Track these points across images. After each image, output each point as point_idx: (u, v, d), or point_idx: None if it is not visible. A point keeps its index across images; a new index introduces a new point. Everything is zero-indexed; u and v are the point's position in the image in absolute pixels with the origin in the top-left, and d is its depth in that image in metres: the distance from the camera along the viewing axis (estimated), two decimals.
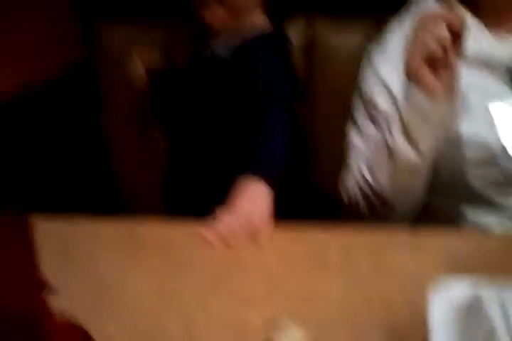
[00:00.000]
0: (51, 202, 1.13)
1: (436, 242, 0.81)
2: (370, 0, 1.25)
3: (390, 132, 0.90)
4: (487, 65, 0.92)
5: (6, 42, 1.16)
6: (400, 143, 0.88)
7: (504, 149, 0.90)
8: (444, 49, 0.78)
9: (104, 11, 1.38)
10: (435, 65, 0.80)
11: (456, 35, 0.79)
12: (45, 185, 1.23)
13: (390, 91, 0.97)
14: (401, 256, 0.79)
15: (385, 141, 0.91)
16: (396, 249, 0.80)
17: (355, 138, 1.04)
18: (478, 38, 0.91)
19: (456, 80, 0.83)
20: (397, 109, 0.92)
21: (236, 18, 1.11)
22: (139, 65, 1.18)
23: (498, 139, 0.90)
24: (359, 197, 0.99)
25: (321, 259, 0.79)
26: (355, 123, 1.05)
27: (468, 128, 0.92)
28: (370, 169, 0.96)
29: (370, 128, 1.01)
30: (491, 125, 0.90)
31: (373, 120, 1.01)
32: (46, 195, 1.22)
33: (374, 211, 0.99)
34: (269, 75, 1.08)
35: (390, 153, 0.90)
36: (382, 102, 0.98)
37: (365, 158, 0.98)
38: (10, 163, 1.14)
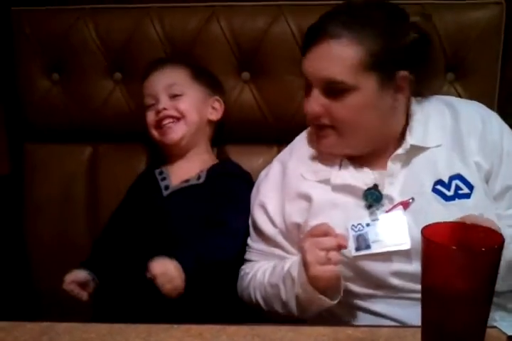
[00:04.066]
0: None
1: None
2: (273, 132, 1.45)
3: (285, 288, 1.07)
4: (348, 189, 1.11)
5: None
6: (291, 302, 1.06)
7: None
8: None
9: (33, 129, 1.51)
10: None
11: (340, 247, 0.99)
12: None
13: (268, 213, 1.18)
14: None
15: (279, 291, 1.08)
16: None
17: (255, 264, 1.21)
18: (342, 171, 1.13)
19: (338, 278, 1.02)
20: (279, 233, 1.16)
21: None
22: None
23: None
24: (250, 301, 1.17)
25: None
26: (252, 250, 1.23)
27: None
28: (264, 300, 1.14)
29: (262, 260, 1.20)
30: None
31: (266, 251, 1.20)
32: None
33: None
34: None
35: (283, 302, 1.08)
36: (266, 228, 1.18)
37: (261, 289, 1.14)
38: None
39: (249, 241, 1.24)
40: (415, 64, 1.07)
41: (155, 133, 1.31)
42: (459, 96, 1.38)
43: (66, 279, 1.22)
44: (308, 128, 1.25)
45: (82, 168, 1.48)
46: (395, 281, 1.05)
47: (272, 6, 1.42)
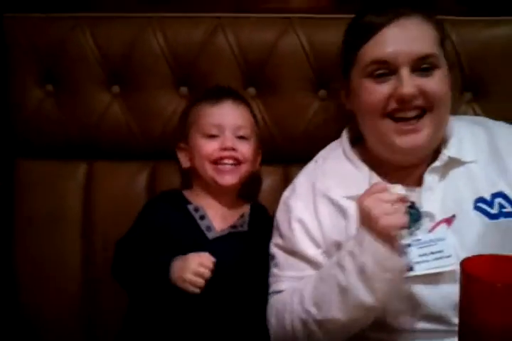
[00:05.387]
0: None
1: None
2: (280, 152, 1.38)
3: (344, 271, 0.98)
4: None
5: None
6: (354, 282, 0.97)
7: None
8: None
9: (24, 144, 1.42)
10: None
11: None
12: None
13: (308, 230, 1.10)
14: None
15: (336, 278, 0.99)
16: None
17: (289, 283, 1.11)
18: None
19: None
20: (322, 253, 1.08)
21: None
22: None
23: None
24: (297, 326, 1.04)
25: None
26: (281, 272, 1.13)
27: None
28: (316, 305, 1.02)
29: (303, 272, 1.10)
30: None
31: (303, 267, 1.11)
32: None
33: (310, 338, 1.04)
34: None
35: (343, 290, 0.98)
36: (307, 248, 1.10)
37: (310, 293, 1.03)
38: None
39: (278, 271, 1.14)
40: None
41: (209, 167, 1.21)
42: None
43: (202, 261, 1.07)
44: (333, 143, 1.21)
45: (75, 186, 1.39)
46: (444, 307, 0.99)
47: (281, 18, 1.35)
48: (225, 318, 1.13)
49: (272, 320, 1.10)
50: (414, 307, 1.01)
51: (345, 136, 1.18)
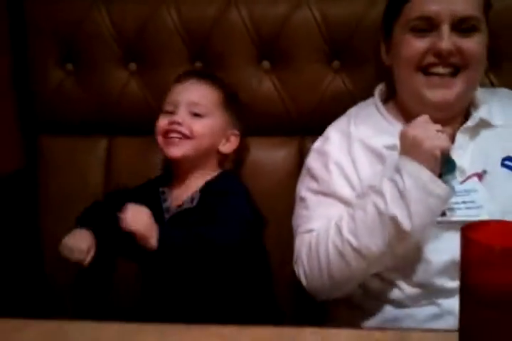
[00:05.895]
0: None
1: None
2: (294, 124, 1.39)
3: (383, 197, 1.00)
4: None
5: None
6: (393, 205, 0.99)
7: None
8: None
9: (47, 122, 1.47)
10: None
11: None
12: None
13: (344, 173, 1.12)
14: None
15: (375, 205, 1.01)
16: None
17: (319, 222, 1.11)
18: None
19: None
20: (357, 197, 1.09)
21: None
22: None
23: None
24: (334, 259, 1.05)
25: None
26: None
27: None
28: (353, 233, 1.02)
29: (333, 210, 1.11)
30: None
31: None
32: None
33: (348, 268, 1.04)
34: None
35: (381, 214, 1.00)
36: (343, 188, 1.11)
37: (348, 223, 1.04)
38: None
39: (309, 212, 1.13)
40: None
41: (160, 140, 1.25)
42: (492, 86, 1.30)
43: (74, 244, 1.17)
44: (361, 103, 1.23)
45: (97, 160, 1.43)
46: None
47: None
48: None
49: (304, 258, 1.09)
50: (439, 253, 1.04)
51: (377, 94, 1.21)
